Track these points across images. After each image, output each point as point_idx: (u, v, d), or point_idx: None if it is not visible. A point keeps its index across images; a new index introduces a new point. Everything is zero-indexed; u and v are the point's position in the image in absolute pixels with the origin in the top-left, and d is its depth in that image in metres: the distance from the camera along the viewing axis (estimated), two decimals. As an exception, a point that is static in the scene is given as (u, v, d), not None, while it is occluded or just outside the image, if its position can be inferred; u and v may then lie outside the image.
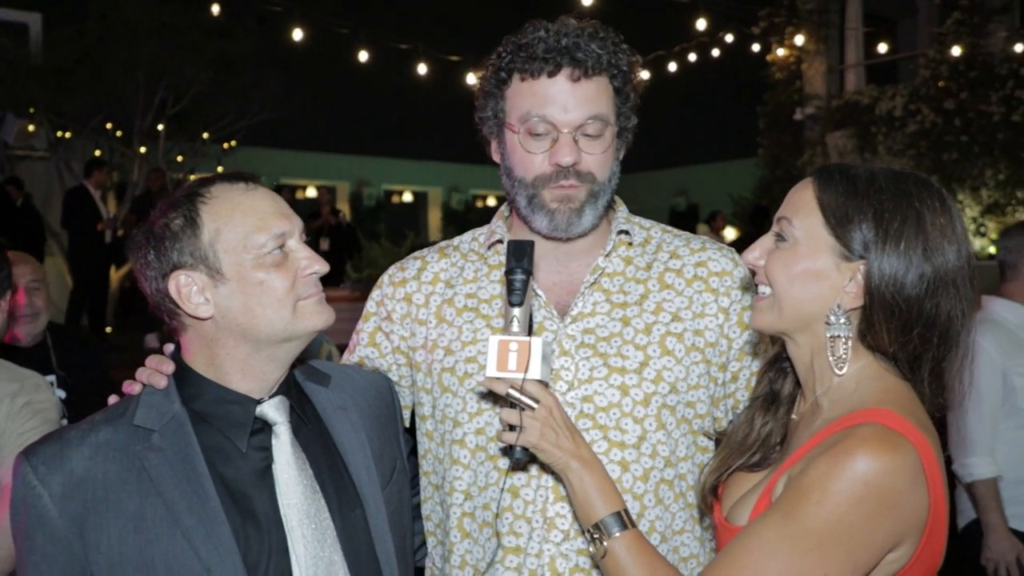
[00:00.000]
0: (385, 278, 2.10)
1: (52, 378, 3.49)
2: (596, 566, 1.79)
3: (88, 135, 14.06)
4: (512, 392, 1.61)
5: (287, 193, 15.25)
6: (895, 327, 1.50)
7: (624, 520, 1.60)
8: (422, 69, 12.50)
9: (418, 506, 2.06)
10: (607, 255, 1.94)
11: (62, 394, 3.48)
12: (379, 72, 12.96)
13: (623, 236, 1.98)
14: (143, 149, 14.17)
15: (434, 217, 26.66)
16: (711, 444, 1.94)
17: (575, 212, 1.86)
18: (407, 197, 27.13)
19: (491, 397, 1.87)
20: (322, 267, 1.68)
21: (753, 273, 1.67)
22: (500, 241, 2.00)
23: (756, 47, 15.06)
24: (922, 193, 1.53)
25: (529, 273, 1.67)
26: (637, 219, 2.05)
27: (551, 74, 1.81)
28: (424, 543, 2.07)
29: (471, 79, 12.71)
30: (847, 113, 14.31)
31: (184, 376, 1.69)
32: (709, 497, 1.74)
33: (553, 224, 1.86)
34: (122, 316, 12.64)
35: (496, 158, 1.97)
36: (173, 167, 14.83)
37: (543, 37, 1.82)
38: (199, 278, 1.62)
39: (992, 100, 12.47)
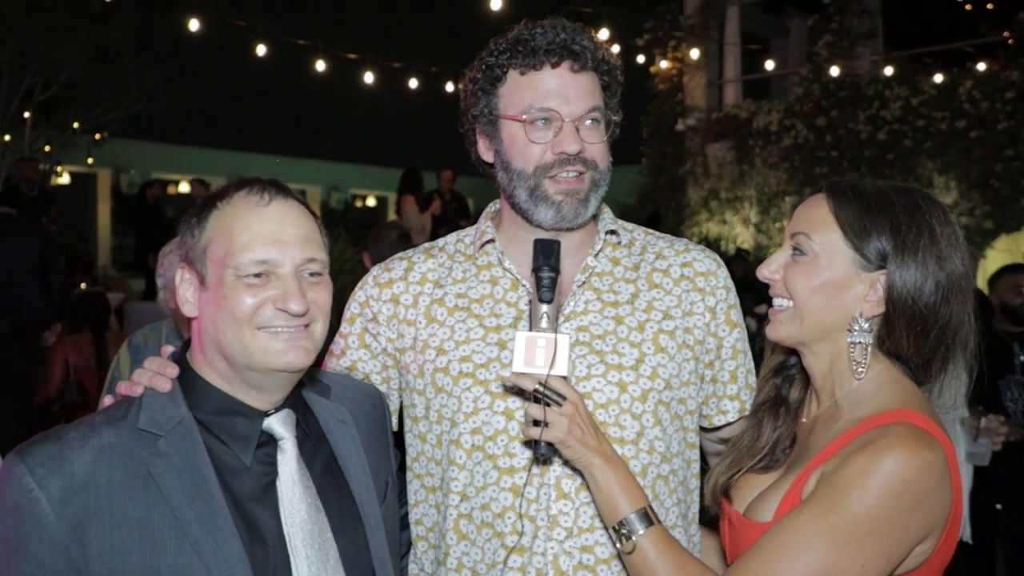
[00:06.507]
0: (369, 279, 2.06)
1: None
2: (600, 562, 1.81)
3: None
4: (540, 388, 1.62)
5: (158, 188, 14.60)
6: (915, 332, 1.60)
7: (650, 516, 1.63)
8: (317, 66, 12.20)
9: (404, 516, 2.02)
10: (596, 255, 1.97)
11: None
12: (268, 67, 12.61)
13: (610, 236, 2.01)
14: (7, 137, 13.42)
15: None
16: (697, 440, 2.00)
17: (581, 203, 1.88)
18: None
19: (488, 396, 1.86)
20: (297, 306, 1.56)
21: (766, 287, 1.74)
22: (491, 241, 2.00)
23: (641, 58, 15.46)
24: (930, 207, 1.64)
25: (557, 271, 1.69)
26: (620, 221, 2.08)
27: (555, 65, 1.85)
28: (407, 553, 2.04)
29: (368, 78, 12.57)
30: (726, 126, 14.87)
31: (190, 381, 1.64)
32: (719, 497, 1.79)
33: (560, 216, 1.87)
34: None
35: (487, 157, 1.97)
36: (40, 157, 14.04)
37: (541, 32, 1.86)
38: (191, 278, 1.64)
39: (860, 119, 13.22)
